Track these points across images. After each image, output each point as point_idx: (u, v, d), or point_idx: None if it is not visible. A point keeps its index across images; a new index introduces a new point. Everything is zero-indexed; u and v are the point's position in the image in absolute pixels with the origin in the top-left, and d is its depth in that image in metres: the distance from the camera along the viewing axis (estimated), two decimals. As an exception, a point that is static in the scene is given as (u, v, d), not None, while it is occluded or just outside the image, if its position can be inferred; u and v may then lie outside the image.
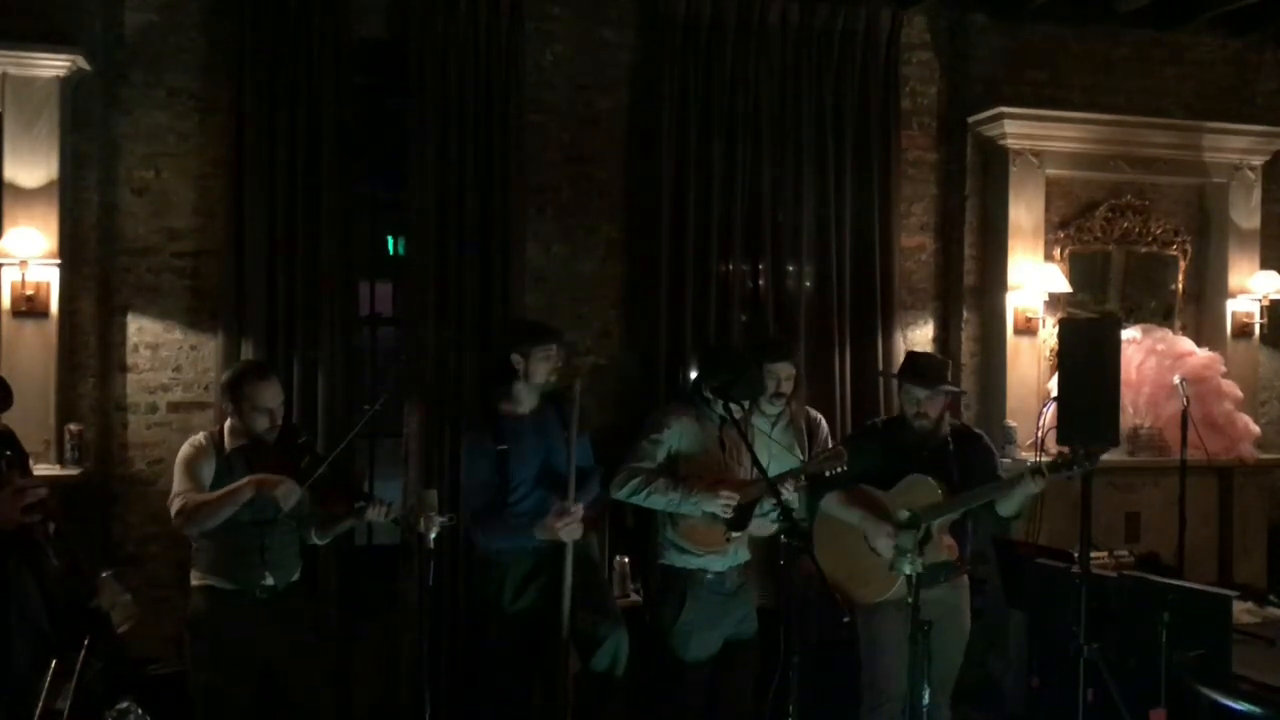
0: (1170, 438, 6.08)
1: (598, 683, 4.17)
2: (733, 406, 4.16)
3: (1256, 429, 6.36)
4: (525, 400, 4.22)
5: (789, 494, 4.12)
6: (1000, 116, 6.09)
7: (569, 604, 4.06)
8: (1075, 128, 6.24)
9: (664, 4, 5.69)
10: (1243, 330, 6.56)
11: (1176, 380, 5.81)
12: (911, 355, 4.61)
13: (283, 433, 3.93)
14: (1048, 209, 6.30)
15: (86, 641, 3.04)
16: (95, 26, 5.24)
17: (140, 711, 3.38)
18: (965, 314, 6.28)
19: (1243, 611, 4.46)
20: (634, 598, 5.00)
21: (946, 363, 4.56)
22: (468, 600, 5.23)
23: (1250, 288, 6.53)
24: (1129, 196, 6.48)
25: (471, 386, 5.38)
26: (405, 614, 5.30)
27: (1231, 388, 6.28)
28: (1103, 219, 6.45)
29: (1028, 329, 6.17)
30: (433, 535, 3.77)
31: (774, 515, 4.15)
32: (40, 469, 4.56)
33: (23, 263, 4.96)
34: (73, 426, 5.08)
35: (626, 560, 5.11)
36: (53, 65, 5.01)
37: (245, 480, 3.76)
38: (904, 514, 4.08)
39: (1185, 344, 6.34)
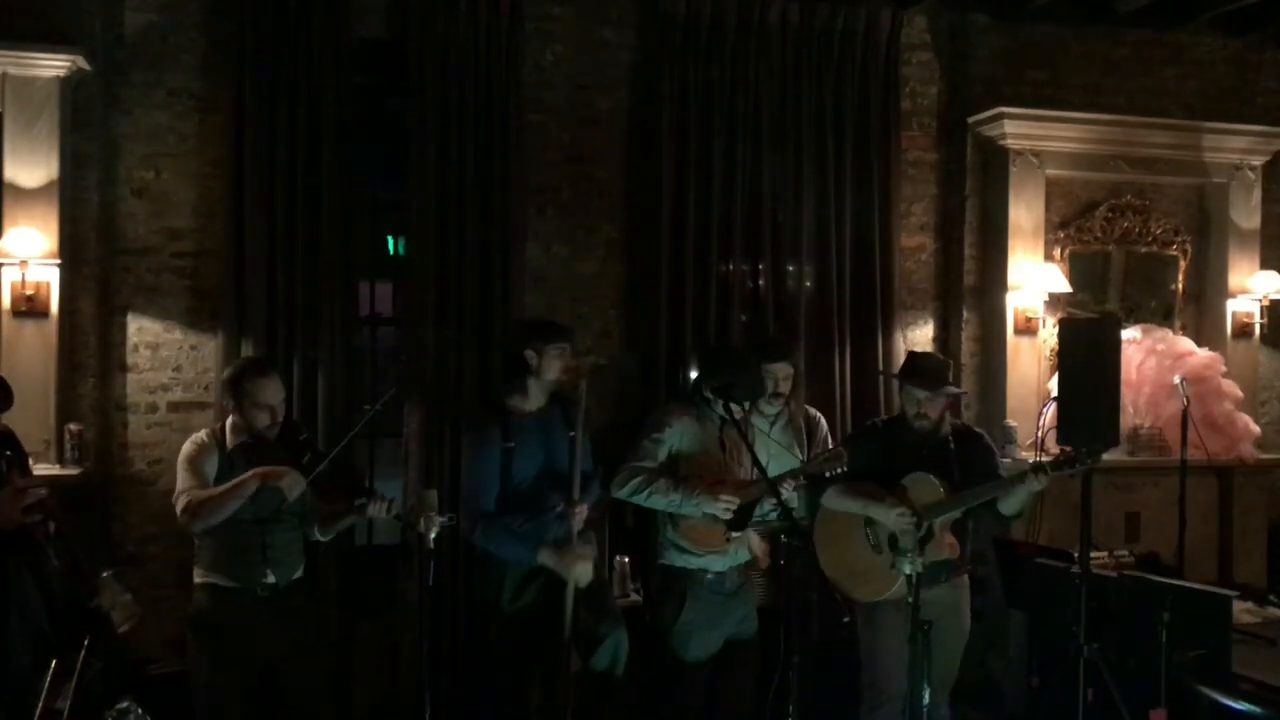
0: (1170, 438, 6.08)
1: (598, 682, 4.17)
2: (733, 407, 4.16)
3: (1256, 429, 6.36)
4: (535, 398, 4.23)
5: (789, 494, 4.12)
6: (1000, 116, 6.09)
7: (572, 605, 4.06)
8: (1075, 128, 6.24)
9: (664, 4, 5.69)
10: (1243, 330, 6.56)
11: (1176, 380, 5.82)
12: (912, 356, 4.61)
13: (284, 429, 3.94)
14: (1048, 209, 6.30)
15: (86, 641, 3.05)
16: (95, 26, 5.25)
17: (140, 711, 3.39)
18: (965, 314, 6.28)
19: (1243, 611, 4.46)
20: (634, 598, 5.00)
21: (947, 363, 4.55)
22: (468, 600, 5.23)
23: (1250, 288, 6.53)
24: (1129, 196, 6.48)
25: (471, 386, 5.39)
26: (405, 614, 5.30)
27: (1231, 388, 6.28)
28: (1103, 219, 6.45)
29: (1028, 329, 6.17)
30: (433, 535, 3.77)
31: (774, 515, 4.15)
32: (40, 469, 4.56)
33: (23, 263, 4.96)
34: (73, 426, 5.08)
35: (626, 560, 5.12)
36: (53, 65, 5.01)
37: (250, 473, 3.76)
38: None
39: (1185, 344, 6.35)
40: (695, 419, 4.31)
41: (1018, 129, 6.12)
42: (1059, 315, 6.18)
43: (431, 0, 5.39)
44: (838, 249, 5.91)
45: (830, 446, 4.81)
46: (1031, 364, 6.20)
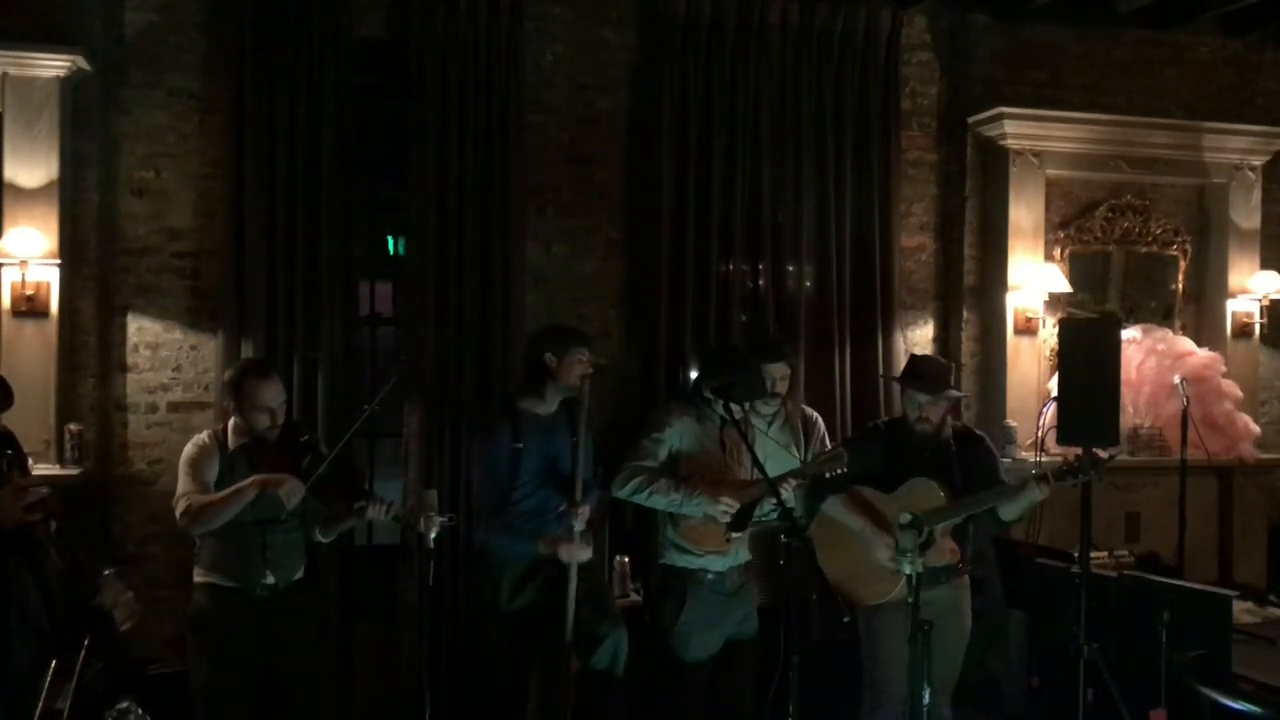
0: (1170, 438, 6.08)
1: (598, 682, 4.17)
2: (733, 407, 4.16)
3: (1256, 429, 6.36)
4: (550, 402, 4.24)
5: (788, 494, 4.12)
6: (1000, 117, 6.09)
7: (573, 605, 4.06)
8: (1075, 128, 6.24)
9: (664, 4, 5.69)
10: (1243, 330, 6.56)
11: (1176, 380, 5.82)
12: (914, 359, 4.59)
13: (285, 431, 3.94)
14: (1048, 209, 6.30)
15: (87, 641, 3.04)
16: (95, 26, 5.24)
17: (140, 711, 3.38)
18: (965, 314, 6.28)
19: (1243, 611, 4.46)
20: (634, 598, 5.00)
21: (949, 367, 4.53)
22: (468, 600, 5.23)
23: (1250, 288, 6.53)
24: (1129, 196, 6.48)
25: (471, 386, 5.39)
26: (405, 614, 5.30)
27: (1231, 388, 6.28)
28: (1103, 219, 6.45)
29: (1028, 329, 6.17)
30: (433, 535, 3.76)
31: (774, 515, 4.15)
32: (40, 469, 4.57)
33: (23, 263, 4.96)
34: (73, 426, 5.08)
35: (626, 560, 5.11)
36: (53, 65, 5.01)
37: (249, 480, 3.78)
38: (905, 517, 4.07)
39: (1185, 344, 6.35)
40: (695, 419, 4.31)
41: (1018, 129, 6.11)
42: (1059, 315, 6.18)
43: (431, 0, 5.39)
44: (838, 249, 5.91)
45: (828, 447, 4.81)
46: (1031, 364, 6.20)
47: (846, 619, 4.07)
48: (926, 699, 3.70)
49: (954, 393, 4.40)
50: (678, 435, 4.27)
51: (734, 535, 4.19)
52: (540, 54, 5.73)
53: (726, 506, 4.09)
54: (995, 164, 6.25)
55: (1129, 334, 6.09)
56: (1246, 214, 6.57)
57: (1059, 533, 5.38)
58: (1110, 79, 6.54)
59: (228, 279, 5.23)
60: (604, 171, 5.85)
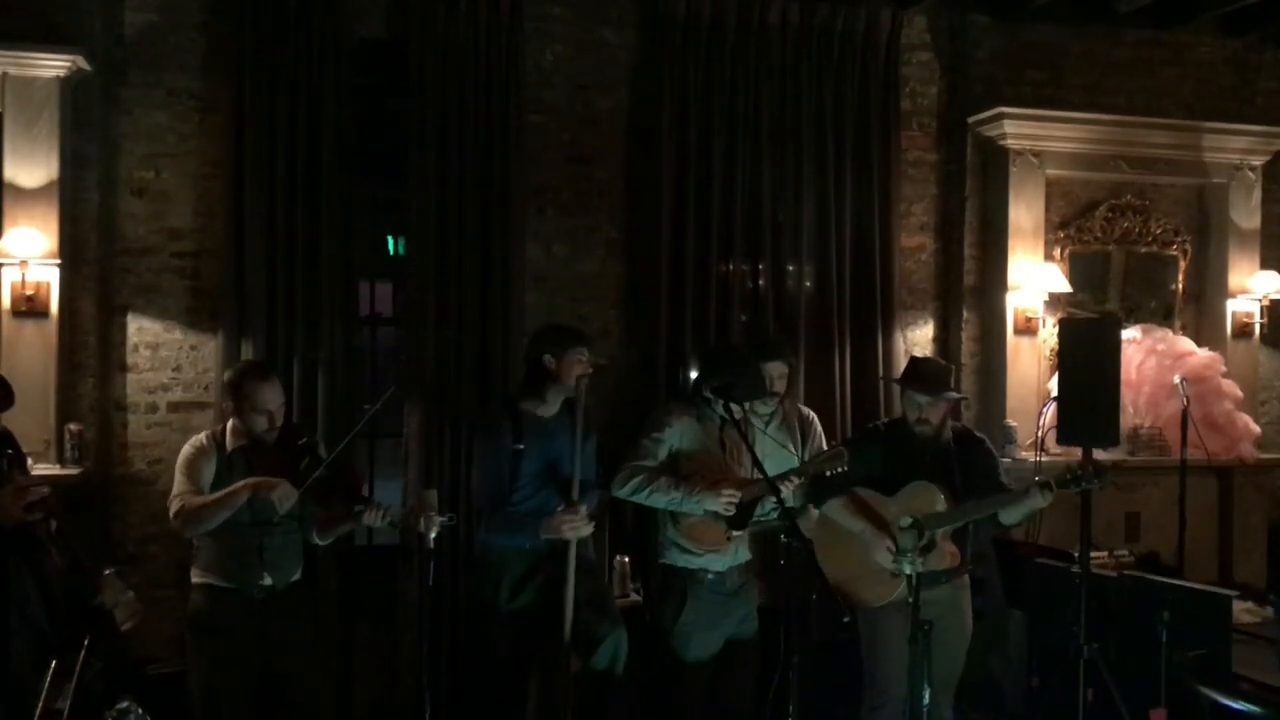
0: (1170, 438, 6.08)
1: (598, 682, 4.17)
2: (733, 407, 4.16)
3: (1256, 429, 6.36)
4: (552, 403, 4.24)
5: (788, 493, 4.12)
6: (1000, 117, 6.09)
7: (572, 605, 4.06)
8: (1075, 128, 6.23)
9: (664, 4, 5.69)
10: (1243, 330, 6.56)
11: (1176, 380, 5.82)
12: (914, 361, 4.58)
13: (284, 433, 3.94)
14: (1048, 209, 6.30)
15: (87, 641, 3.04)
16: (95, 26, 5.24)
17: (140, 711, 3.38)
18: (965, 314, 6.28)
19: (1243, 611, 4.46)
20: (634, 598, 5.00)
21: (949, 368, 4.51)
22: (468, 600, 5.22)
23: (1250, 288, 6.53)
24: (1129, 196, 6.48)
25: (471, 386, 5.39)
26: (405, 614, 5.30)
27: (1231, 388, 6.28)
28: (1103, 219, 6.45)
29: (1028, 329, 6.17)
30: (433, 535, 3.76)
31: (774, 514, 4.15)
32: (40, 469, 4.57)
33: (23, 263, 4.96)
34: (73, 426, 5.08)
35: (626, 560, 5.11)
36: (53, 65, 5.01)
37: (241, 484, 3.77)
38: (906, 520, 4.07)
39: (1185, 344, 6.34)
40: (695, 418, 4.31)
41: (1018, 129, 6.11)
42: (1059, 315, 6.17)
43: (431, 0, 5.39)
44: (838, 249, 5.91)
45: (825, 446, 4.81)
46: (1031, 364, 6.20)
47: (846, 619, 4.07)
48: (926, 699, 3.70)
49: (954, 394, 4.40)
50: (678, 435, 4.27)
51: (734, 534, 4.19)
52: (540, 54, 5.73)
53: (729, 496, 4.09)
54: (995, 164, 6.25)
55: (1129, 334, 6.09)
56: (1246, 214, 6.57)
57: (1059, 533, 5.37)
58: (1110, 79, 6.54)
59: (228, 279, 5.23)
60: (604, 171, 5.85)
